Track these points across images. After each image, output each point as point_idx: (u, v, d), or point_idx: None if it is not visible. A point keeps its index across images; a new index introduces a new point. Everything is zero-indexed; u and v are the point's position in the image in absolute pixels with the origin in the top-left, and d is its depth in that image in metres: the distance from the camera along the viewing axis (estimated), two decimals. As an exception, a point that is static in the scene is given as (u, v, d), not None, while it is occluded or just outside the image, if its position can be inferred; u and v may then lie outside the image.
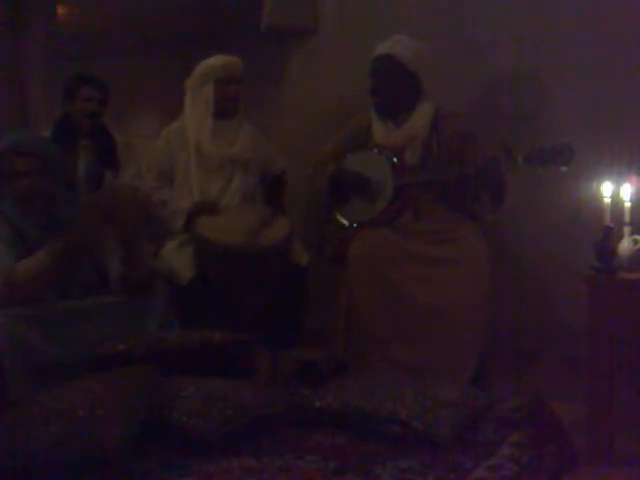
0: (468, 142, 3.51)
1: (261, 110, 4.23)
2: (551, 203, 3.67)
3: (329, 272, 3.59)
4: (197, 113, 3.67)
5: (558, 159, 3.14)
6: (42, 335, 2.65)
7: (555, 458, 2.32)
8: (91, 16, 5.59)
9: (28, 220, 2.90)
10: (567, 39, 3.67)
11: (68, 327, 2.73)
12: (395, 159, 3.53)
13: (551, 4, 3.72)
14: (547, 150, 3.16)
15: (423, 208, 3.52)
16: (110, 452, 2.03)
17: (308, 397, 2.50)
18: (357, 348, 3.39)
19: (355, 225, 3.55)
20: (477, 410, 2.42)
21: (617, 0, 3.60)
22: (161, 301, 2.97)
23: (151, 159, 3.76)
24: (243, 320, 3.26)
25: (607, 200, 2.89)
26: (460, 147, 3.50)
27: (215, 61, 3.66)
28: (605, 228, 2.86)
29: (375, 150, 3.58)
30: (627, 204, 2.93)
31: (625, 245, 2.89)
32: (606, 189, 2.90)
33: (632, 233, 2.91)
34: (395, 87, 3.57)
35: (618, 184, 2.94)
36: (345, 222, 3.58)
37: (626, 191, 2.94)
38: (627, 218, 2.92)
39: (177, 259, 3.44)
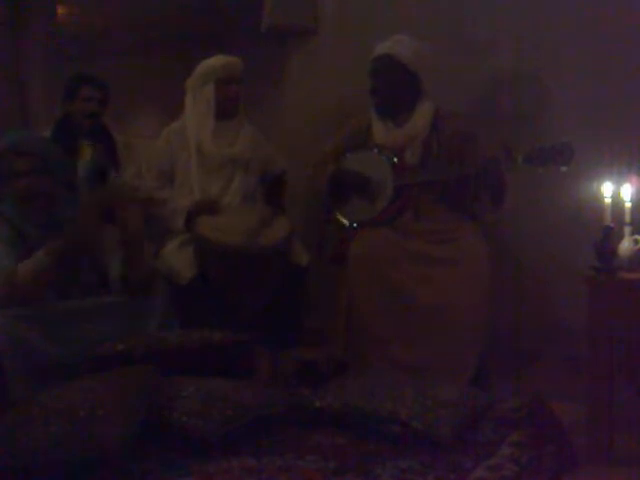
0: (468, 142, 3.51)
1: (261, 110, 4.23)
2: (551, 203, 3.67)
3: (329, 272, 3.59)
4: (197, 113, 3.67)
5: (558, 159, 3.14)
6: (42, 335, 2.65)
7: (555, 458, 2.32)
8: (91, 16, 5.59)
9: (28, 220, 2.90)
10: (567, 39, 3.67)
11: (68, 327, 2.73)
12: (395, 159, 3.53)
13: (551, 4, 3.72)
14: (547, 150, 3.16)
15: (423, 208, 3.52)
16: (110, 452, 2.02)
17: (308, 397, 2.50)
18: (357, 348, 3.39)
19: (355, 225, 3.55)
20: (477, 410, 2.42)
21: (617, 0, 3.60)
22: (161, 301, 2.96)
23: (151, 159, 3.77)
24: (243, 320, 3.26)
25: (607, 200, 2.89)
26: (460, 147, 3.50)
27: (215, 61, 3.67)
28: (605, 228, 2.86)
29: (375, 150, 3.58)
30: (627, 204, 2.93)
31: (625, 245, 2.89)
32: (606, 189, 2.90)
33: (632, 233, 2.91)
34: (395, 87, 3.57)
35: (618, 184, 2.95)
36: (345, 222, 3.58)
37: (626, 191, 2.94)
38: (627, 218, 2.92)
39: (177, 259, 3.44)
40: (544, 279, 3.75)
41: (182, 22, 5.33)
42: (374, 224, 3.49)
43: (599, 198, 2.92)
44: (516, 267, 3.77)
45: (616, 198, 2.92)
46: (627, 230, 2.91)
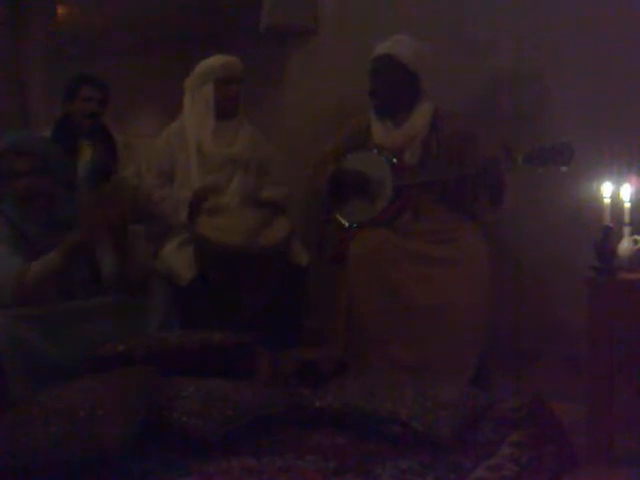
0: (467, 142, 3.51)
1: (261, 110, 4.23)
2: (551, 203, 3.67)
3: (329, 272, 3.59)
4: (197, 113, 3.67)
5: (558, 159, 3.14)
6: (42, 335, 2.65)
7: (555, 458, 2.32)
8: (91, 16, 5.59)
9: (28, 220, 2.90)
10: (567, 39, 3.67)
11: (68, 327, 2.73)
12: (395, 159, 3.53)
13: (551, 4, 3.72)
14: (547, 150, 3.16)
15: (423, 208, 3.52)
16: (110, 452, 2.02)
17: (308, 397, 2.49)
18: (357, 348, 3.39)
19: (355, 225, 3.55)
20: (477, 410, 2.41)
21: (617, 0, 3.60)
22: (161, 301, 2.96)
23: (151, 159, 3.77)
24: (243, 320, 3.26)
25: (607, 200, 2.89)
26: (459, 147, 3.50)
27: (215, 61, 3.66)
28: (605, 228, 2.86)
29: (375, 150, 3.58)
30: (627, 204, 2.93)
31: (625, 245, 2.89)
32: (606, 189, 2.90)
33: (632, 233, 2.91)
34: (395, 87, 3.57)
35: (618, 184, 2.95)
36: (345, 222, 3.58)
37: (626, 191, 2.94)
38: (627, 218, 2.92)
39: (177, 259, 3.44)
40: (544, 279, 3.75)
41: (182, 22, 5.33)
42: (374, 224, 3.49)
43: (599, 198, 2.92)
44: (516, 267, 3.77)
45: (616, 198, 2.92)
46: (627, 230, 2.91)
